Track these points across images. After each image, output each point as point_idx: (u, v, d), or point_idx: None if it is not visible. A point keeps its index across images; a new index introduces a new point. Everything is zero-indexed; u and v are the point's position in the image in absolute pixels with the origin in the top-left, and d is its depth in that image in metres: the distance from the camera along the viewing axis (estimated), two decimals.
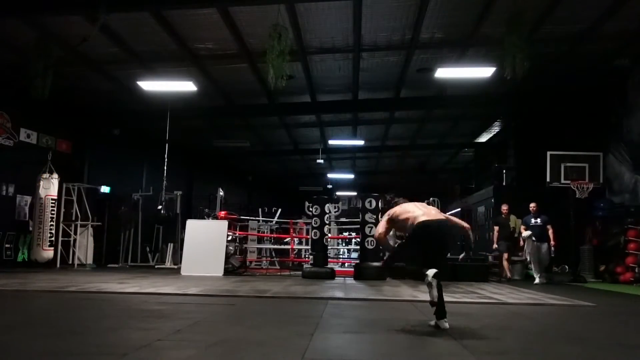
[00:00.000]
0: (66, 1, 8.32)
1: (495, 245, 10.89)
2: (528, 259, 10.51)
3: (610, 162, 11.72)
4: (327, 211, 10.94)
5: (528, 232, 10.23)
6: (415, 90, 12.71)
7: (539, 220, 10.24)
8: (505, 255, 10.65)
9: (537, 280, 9.93)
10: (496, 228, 10.98)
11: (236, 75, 11.58)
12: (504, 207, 11.13)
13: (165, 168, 12.51)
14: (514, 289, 8.42)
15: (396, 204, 4.67)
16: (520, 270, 11.47)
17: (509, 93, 11.89)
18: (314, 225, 10.58)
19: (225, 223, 11.16)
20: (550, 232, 10.12)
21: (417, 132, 17.25)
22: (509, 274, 10.57)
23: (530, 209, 10.41)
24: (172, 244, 13.81)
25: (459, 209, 18.42)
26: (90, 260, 12.78)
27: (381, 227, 4.69)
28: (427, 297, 4.06)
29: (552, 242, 10.10)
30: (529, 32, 8.44)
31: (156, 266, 13.42)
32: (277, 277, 10.45)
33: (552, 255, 10.35)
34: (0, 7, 8.13)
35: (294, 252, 13.22)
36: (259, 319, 4.69)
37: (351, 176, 25.46)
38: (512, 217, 11.15)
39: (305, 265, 10.87)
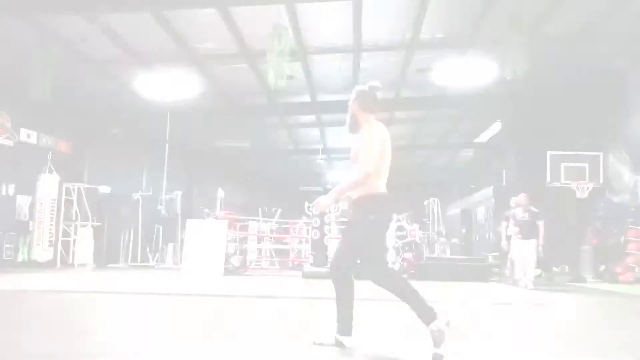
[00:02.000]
0: (66, 1, 8.33)
1: (503, 242, 9.43)
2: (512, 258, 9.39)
3: (610, 162, 11.72)
4: (327, 211, 10.94)
5: (515, 229, 9.01)
6: (415, 90, 12.71)
7: (526, 215, 8.85)
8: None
9: (520, 283, 8.73)
10: (504, 224, 9.47)
11: (236, 75, 11.57)
12: (514, 200, 9.53)
13: (165, 168, 12.50)
14: (514, 289, 8.42)
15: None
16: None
17: (509, 93, 11.88)
18: (314, 226, 10.59)
19: (225, 223, 11.17)
20: (541, 228, 8.74)
21: (417, 132, 17.24)
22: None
23: (519, 200, 9.11)
24: (172, 244, 13.81)
25: (459, 210, 18.40)
26: (90, 260, 12.77)
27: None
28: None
29: (540, 241, 8.72)
30: (529, 32, 8.44)
31: (156, 266, 13.42)
32: (277, 277, 10.44)
33: (540, 255, 8.92)
34: (0, 7, 8.13)
35: (294, 252, 13.21)
36: (259, 319, 4.69)
37: None
38: None
39: (305, 265, 10.87)
